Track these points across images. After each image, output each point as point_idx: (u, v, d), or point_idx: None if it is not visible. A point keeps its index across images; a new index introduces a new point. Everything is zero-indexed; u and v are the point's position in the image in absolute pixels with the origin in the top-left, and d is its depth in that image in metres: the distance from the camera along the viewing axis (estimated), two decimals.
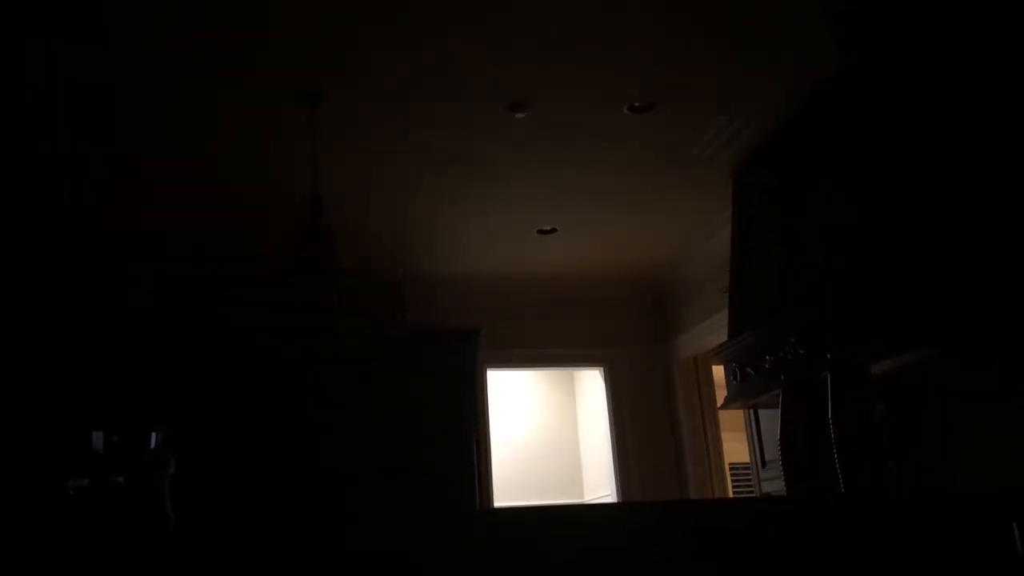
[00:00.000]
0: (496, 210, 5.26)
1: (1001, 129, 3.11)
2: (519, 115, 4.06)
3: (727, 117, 4.18)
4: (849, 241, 3.42)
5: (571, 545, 1.49)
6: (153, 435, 4.30)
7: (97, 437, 4.26)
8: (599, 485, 7.06)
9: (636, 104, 4.05)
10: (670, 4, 3.33)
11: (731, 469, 6.50)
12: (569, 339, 6.57)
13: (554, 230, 5.65)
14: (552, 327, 6.53)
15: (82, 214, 4.92)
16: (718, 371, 6.00)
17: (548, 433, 7.93)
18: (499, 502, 6.31)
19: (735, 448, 6.41)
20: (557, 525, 1.49)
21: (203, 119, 4.00)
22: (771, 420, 4.26)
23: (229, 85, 3.72)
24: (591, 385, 7.36)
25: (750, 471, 4.95)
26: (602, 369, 6.68)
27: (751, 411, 4.62)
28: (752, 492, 5.11)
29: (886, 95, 3.44)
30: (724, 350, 4.25)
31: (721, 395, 4.53)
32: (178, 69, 3.60)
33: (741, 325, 4.19)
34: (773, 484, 4.43)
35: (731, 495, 6.47)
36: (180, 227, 5.14)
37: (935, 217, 3.22)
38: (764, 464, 4.56)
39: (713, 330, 5.65)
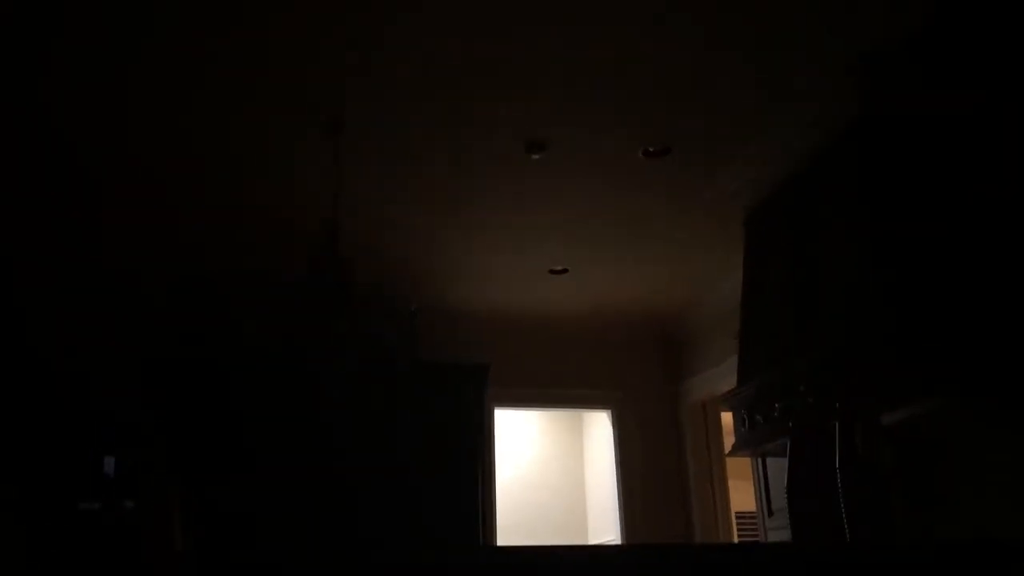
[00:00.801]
0: (510, 248, 5.30)
1: (1001, 179, 3.14)
2: (535, 156, 4.12)
3: (741, 165, 4.22)
4: (857, 290, 3.43)
5: None
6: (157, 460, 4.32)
7: (109, 461, 4.27)
8: (604, 529, 6.99)
9: (651, 149, 4.10)
10: (691, 54, 3.39)
11: (737, 517, 6.44)
12: (578, 380, 6.57)
13: (566, 270, 5.68)
14: (561, 367, 6.53)
15: (105, 226, 5.00)
16: (727, 417, 5.97)
17: (554, 474, 7.88)
18: (502, 541, 6.25)
19: (742, 497, 6.35)
20: (558, 565, 1.49)
21: (230, 142, 4.07)
22: (779, 469, 4.23)
23: (256, 110, 3.79)
24: (598, 427, 7.33)
25: (756, 520, 4.90)
26: (610, 412, 6.66)
27: (759, 459, 4.58)
28: (758, 541, 5.06)
29: (893, 149, 3.48)
30: (732, 396, 4.24)
31: (729, 442, 4.51)
32: (207, 95, 3.68)
33: (750, 371, 4.19)
34: (779, 534, 4.38)
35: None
36: (200, 244, 5.20)
37: (942, 268, 3.25)
38: (771, 513, 4.52)
39: (723, 376, 5.64)
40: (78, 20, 3.15)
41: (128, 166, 4.24)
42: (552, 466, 7.90)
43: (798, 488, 3.52)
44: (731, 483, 6.21)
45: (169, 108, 3.74)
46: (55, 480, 4.20)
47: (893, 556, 1.62)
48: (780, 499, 4.18)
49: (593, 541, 7.44)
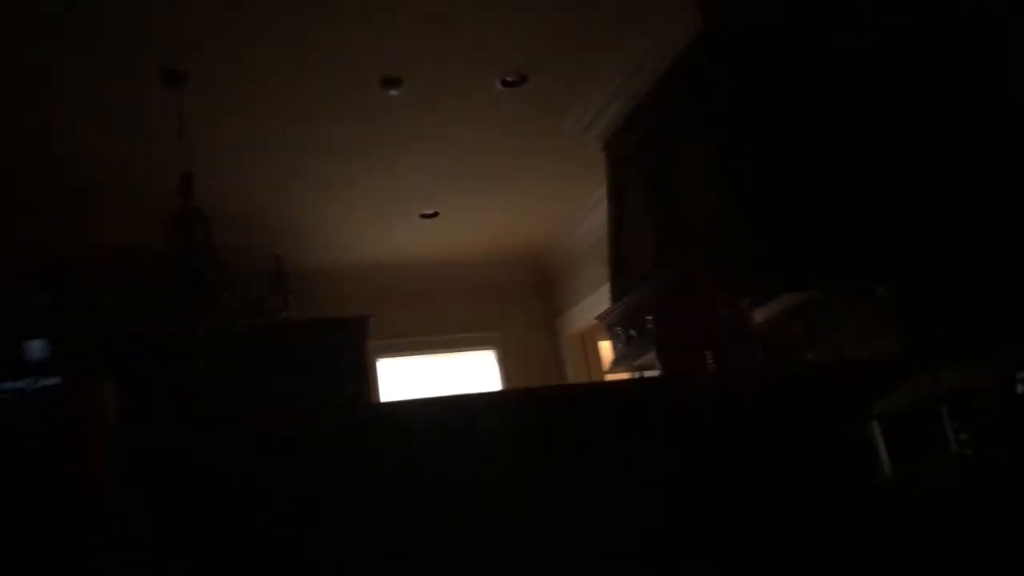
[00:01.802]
0: (377, 195, 5.22)
1: (837, 87, 3.34)
2: (392, 92, 4.05)
3: (597, 88, 4.29)
4: (713, 201, 3.57)
5: (445, 433, 1.53)
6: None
7: (34, 344, 4.23)
8: None
9: (509, 78, 4.11)
10: None
11: None
12: (459, 324, 6.61)
13: (436, 214, 5.66)
14: (441, 312, 6.55)
15: None
16: (605, 346, 6.14)
17: None
18: None
19: None
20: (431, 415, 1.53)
21: (70, 107, 3.81)
22: None
23: (94, 69, 3.56)
24: (485, 368, 7.39)
25: None
26: (494, 352, 6.73)
27: (638, 375, 4.75)
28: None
29: (742, 61, 3.62)
30: (607, 316, 4.35)
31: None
32: (40, 56, 3.41)
33: (621, 291, 4.31)
34: None
35: None
36: (52, 221, 4.88)
37: (789, 172, 3.44)
38: None
39: (599, 304, 5.77)
40: None
41: None
42: None
43: (665, 345, 3.64)
44: None
45: (11, 86, 3.46)
46: None
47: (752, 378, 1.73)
48: None
49: None
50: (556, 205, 5.75)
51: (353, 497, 1.50)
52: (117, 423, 1.36)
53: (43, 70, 3.55)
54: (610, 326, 4.35)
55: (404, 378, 7.79)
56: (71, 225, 4.99)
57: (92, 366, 4.35)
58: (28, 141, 4.07)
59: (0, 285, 4.67)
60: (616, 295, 4.39)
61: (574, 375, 6.44)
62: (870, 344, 3.10)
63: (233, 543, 1.41)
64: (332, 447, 1.51)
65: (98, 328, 4.65)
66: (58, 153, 4.21)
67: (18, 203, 4.65)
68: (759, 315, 3.37)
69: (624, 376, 4.98)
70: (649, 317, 3.87)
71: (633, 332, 4.09)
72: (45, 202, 4.69)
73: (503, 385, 6.63)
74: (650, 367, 4.38)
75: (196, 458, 1.46)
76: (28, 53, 3.42)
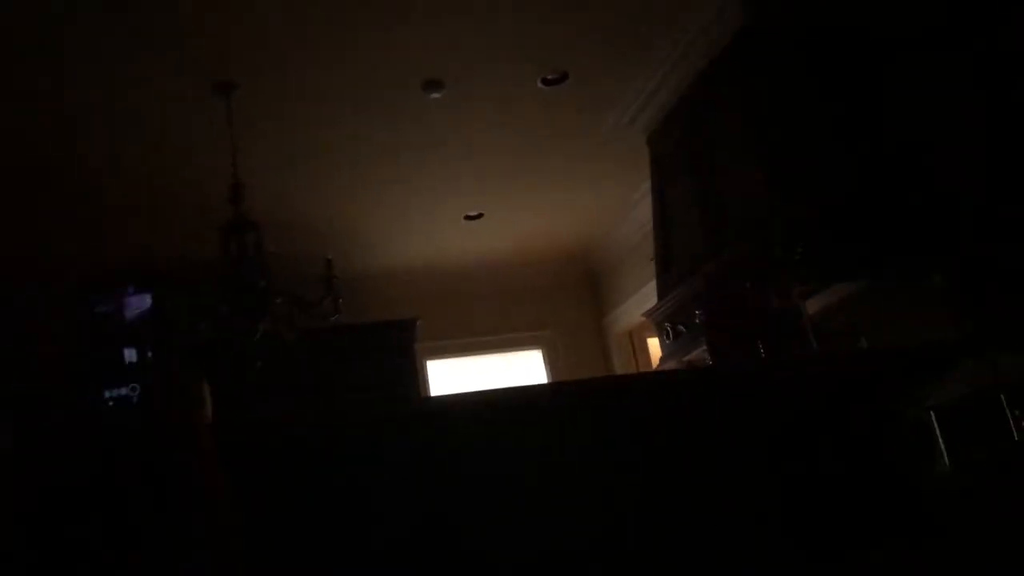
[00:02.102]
0: (421, 198, 5.27)
1: (883, 77, 3.28)
2: (435, 95, 4.09)
3: (639, 82, 4.27)
4: (759, 193, 3.54)
5: (502, 427, 1.56)
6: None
7: (130, 351, 4.45)
8: None
9: (549, 76, 4.12)
10: None
11: None
12: (506, 324, 6.63)
13: (481, 215, 5.69)
14: (487, 313, 6.58)
15: None
16: (653, 343, 6.11)
17: None
18: None
19: None
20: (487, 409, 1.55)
21: (124, 120, 3.93)
22: None
23: (146, 80, 3.66)
24: (532, 368, 7.41)
25: None
26: (540, 351, 6.74)
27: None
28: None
29: (786, 53, 3.59)
30: (655, 312, 4.34)
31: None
32: (92, 72, 3.53)
33: (669, 286, 4.29)
34: None
35: None
36: (102, 232, 5.03)
37: (838, 164, 3.39)
38: None
39: (646, 301, 5.74)
40: None
41: (25, 165, 4.05)
42: None
43: (715, 335, 3.62)
44: None
45: (60, 96, 3.58)
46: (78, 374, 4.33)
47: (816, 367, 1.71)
48: None
49: None
50: (600, 202, 5.74)
51: (411, 482, 1.55)
52: (215, 419, 1.47)
53: (96, 82, 3.65)
54: (658, 322, 4.33)
55: (453, 380, 7.84)
56: (129, 237, 5.13)
57: (184, 370, 4.53)
58: (84, 156, 4.20)
59: (100, 294, 4.89)
60: (663, 290, 4.37)
61: (622, 372, 6.42)
62: (926, 333, 3.04)
63: (306, 520, 1.51)
64: (396, 436, 1.57)
65: (178, 337, 4.82)
66: (112, 166, 4.33)
67: (75, 217, 4.79)
68: (811, 306, 3.33)
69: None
70: (698, 312, 3.85)
71: (682, 327, 4.07)
72: (100, 214, 4.82)
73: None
74: (700, 362, 4.36)
75: (279, 449, 1.56)
76: (80, 66, 3.53)
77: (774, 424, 1.65)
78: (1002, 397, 2.20)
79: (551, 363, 6.68)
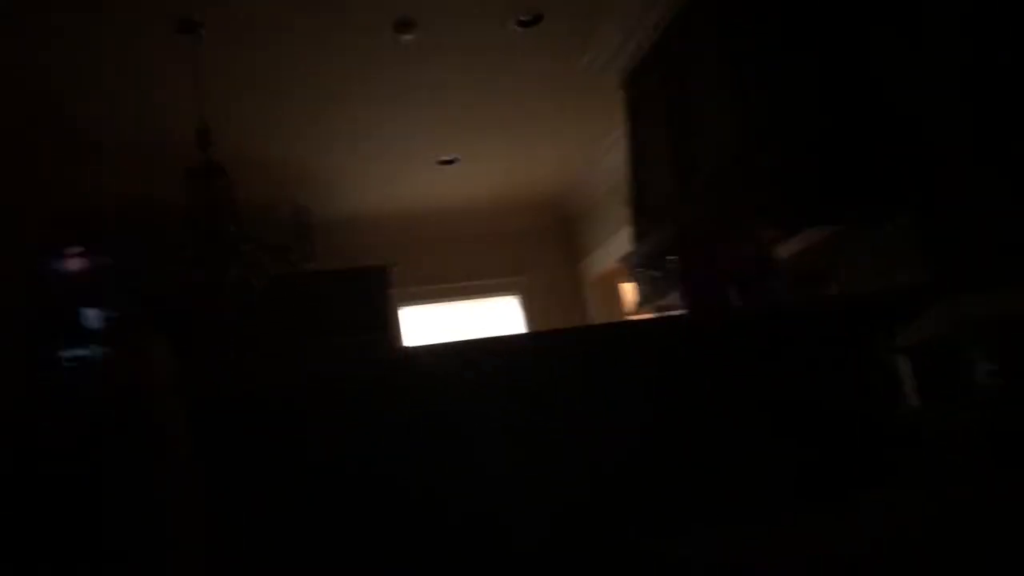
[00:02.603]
0: (394, 142, 5.19)
1: (864, 23, 3.24)
2: (406, 37, 3.99)
3: (613, 24, 4.20)
4: (733, 137, 3.51)
5: (484, 374, 1.55)
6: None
7: (91, 313, 4.44)
8: None
9: (524, 18, 4.03)
10: None
11: None
12: (481, 270, 6.61)
13: (455, 160, 5.62)
14: (463, 259, 6.55)
15: None
16: (628, 288, 6.12)
17: None
18: None
19: None
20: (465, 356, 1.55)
21: (87, 59, 3.80)
22: None
23: (108, 21, 3.53)
24: (508, 313, 7.42)
25: None
26: (518, 297, 6.74)
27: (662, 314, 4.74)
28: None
29: None
30: (629, 257, 4.33)
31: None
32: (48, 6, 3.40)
33: (643, 232, 4.28)
34: None
35: None
36: (67, 176, 4.91)
37: (812, 111, 3.36)
38: None
39: (621, 246, 5.75)
40: None
41: None
42: None
43: (690, 284, 3.64)
44: None
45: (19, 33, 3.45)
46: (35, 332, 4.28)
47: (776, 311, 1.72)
48: None
49: None
50: (575, 146, 5.68)
51: (386, 436, 1.54)
52: (173, 375, 1.46)
53: (58, 22, 3.53)
54: (633, 267, 4.33)
55: (428, 326, 7.84)
56: (91, 180, 5.01)
57: (142, 328, 4.50)
58: (46, 96, 4.07)
59: (49, 250, 4.80)
60: (638, 235, 4.36)
61: (598, 318, 6.44)
62: (895, 276, 3.07)
63: (274, 477, 1.50)
64: (367, 389, 1.55)
65: (138, 290, 4.76)
66: (76, 107, 4.21)
67: (38, 159, 4.67)
68: (783, 251, 3.34)
69: (648, 318, 4.98)
70: (672, 257, 3.84)
71: (657, 273, 4.07)
72: (63, 157, 4.70)
73: (527, 329, 6.65)
74: (674, 307, 4.37)
75: (243, 403, 1.54)
76: (44, 5, 3.40)
77: (749, 372, 1.66)
78: (969, 340, 2.22)
79: (527, 309, 6.68)
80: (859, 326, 1.73)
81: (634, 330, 1.75)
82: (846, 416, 1.71)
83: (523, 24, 4.07)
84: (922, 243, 3.01)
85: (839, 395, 1.72)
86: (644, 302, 4.26)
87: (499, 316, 7.47)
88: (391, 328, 5.90)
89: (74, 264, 4.60)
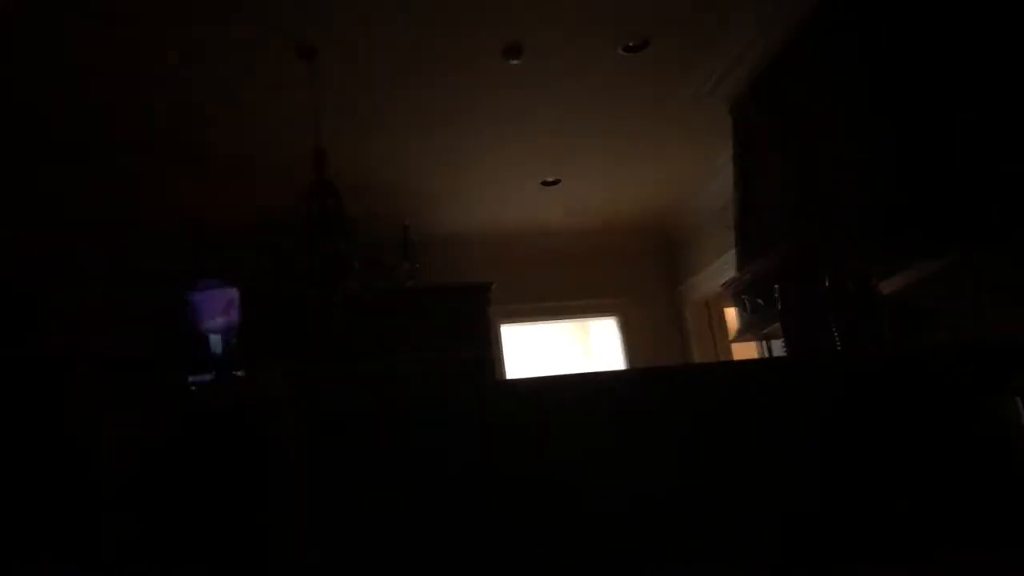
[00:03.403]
0: (498, 163, 5.28)
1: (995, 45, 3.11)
2: (514, 62, 4.07)
3: (722, 50, 4.17)
4: (847, 165, 3.43)
5: (575, 409, 1.57)
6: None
7: (215, 339, 4.74)
8: None
9: (631, 44, 4.05)
10: None
11: None
12: (581, 290, 6.63)
13: (558, 181, 5.67)
14: (562, 279, 6.58)
15: (79, 185, 5.01)
16: (730, 314, 6.03)
17: None
18: None
19: None
20: (561, 392, 1.57)
21: (202, 79, 4.03)
22: (783, 352, 4.29)
23: (228, 43, 3.74)
24: (606, 335, 7.41)
25: None
26: (615, 318, 6.72)
27: (764, 344, 4.66)
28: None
29: (875, 18, 3.44)
30: (732, 284, 4.27)
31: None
32: (170, 28, 3.62)
33: (748, 259, 4.21)
34: None
35: None
36: (185, 191, 5.21)
37: (930, 136, 3.24)
38: None
39: (723, 271, 5.67)
40: None
41: (107, 118, 4.22)
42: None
43: (791, 315, 3.56)
44: None
45: (140, 56, 3.70)
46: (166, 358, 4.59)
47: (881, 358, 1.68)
48: None
49: None
50: (680, 170, 5.65)
51: (478, 462, 1.58)
52: (290, 395, 1.55)
53: (184, 44, 3.75)
54: (735, 294, 4.27)
55: (527, 344, 7.90)
56: (211, 196, 5.29)
57: (262, 354, 4.78)
58: (169, 114, 4.32)
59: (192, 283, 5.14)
60: (742, 262, 4.30)
61: (698, 343, 6.36)
62: (1013, 315, 2.93)
63: (376, 491, 1.57)
64: (465, 412, 1.60)
65: (257, 309, 5.03)
66: (195, 126, 4.46)
67: (162, 175, 4.97)
68: (891, 285, 3.22)
69: (750, 346, 4.90)
70: (776, 286, 3.78)
71: (760, 300, 4.00)
72: (185, 173, 4.98)
73: (624, 351, 6.63)
74: (777, 336, 4.29)
75: (350, 421, 1.62)
76: (168, 28, 3.63)
77: (852, 417, 1.62)
78: None
79: (626, 331, 6.65)
80: (968, 371, 1.67)
81: (723, 370, 1.73)
82: (956, 467, 1.65)
83: (629, 50, 4.09)
84: None
85: (947, 444, 1.66)
86: (746, 330, 4.20)
87: (598, 337, 7.47)
88: (491, 345, 5.98)
89: (206, 293, 4.89)
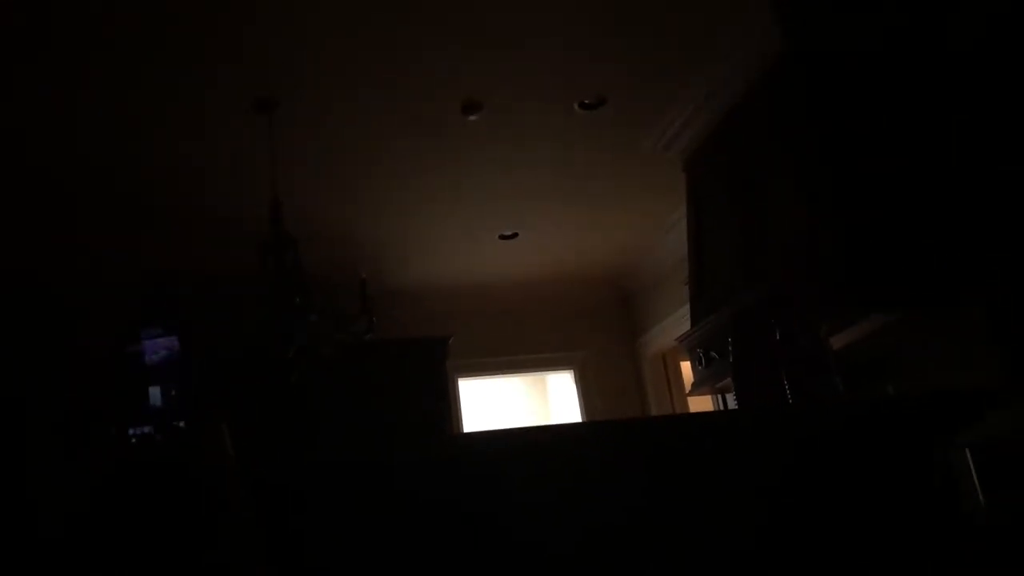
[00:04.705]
0: (456, 217, 5.31)
1: (927, 99, 3.25)
2: (472, 117, 4.13)
3: (675, 109, 4.28)
4: (797, 220, 3.52)
5: (531, 463, 1.56)
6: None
7: (155, 392, 4.65)
8: None
9: (587, 101, 4.14)
10: (615, 3, 3.42)
11: None
12: (538, 344, 6.63)
13: (515, 235, 5.71)
14: (520, 332, 6.59)
15: (28, 236, 4.91)
16: (686, 367, 6.07)
17: None
18: None
19: None
20: (518, 446, 1.56)
21: (160, 132, 4.01)
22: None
23: (185, 96, 3.74)
24: (564, 388, 7.41)
25: None
26: (572, 372, 6.73)
27: (719, 397, 4.69)
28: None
29: (824, 79, 3.57)
30: (687, 338, 4.32)
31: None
32: (129, 81, 3.62)
33: (702, 312, 4.27)
34: None
35: None
36: (144, 242, 5.14)
37: (878, 192, 3.35)
38: None
39: (679, 324, 5.73)
40: (25, 32, 3.08)
41: (63, 175, 4.17)
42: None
43: (743, 373, 3.61)
44: None
45: (103, 107, 3.68)
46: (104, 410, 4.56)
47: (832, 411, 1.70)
48: None
49: None
50: (636, 224, 5.74)
51: (440, 525, 1.56)
52: (234, 456, 1.52)
53: (139, 95, 3.74)
54: (690, 348, 4.31)
55: (485, 398, 7.85)
56: (164, 247, 5.23)
57: (207, 408, 4.72)
58: (124, 163, 4.27)
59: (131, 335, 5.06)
60: (696, 316, 4.35)
61: (655, 396, 6.39)
62: (961, 369, 3.00)
63: (324, 559, 1.52)
64: (419, 475, 1.58)
65: (207, 363, 4.95)
66: (151, 176, 4.41)
67: (113, 224, 4.89)
68: (841, 340, 3.29)
69: (705, 399, 4.93)
70: (730, 339, 3.83)
71: (714, 354, 4.05)
72: (138, 224, 4.91)
73: (582, 405, 6.62)
74: (731, 390, 4.33)
75: (296, 485, 1.58)
76: (121, 82, 3.62)
77: (802, 467, 1.64)
78: None
79: (583, 384, 6.66)
80: (915, 422, 1.70)
81: (679, 423, 1.75)
82: (905, 515, 1.68)
83: (586, 107, 4.18)
84: (991, 336, 2.95)
85: (895, 493, 1.69)
86: (701, 384, 4.23)
87: (555, 391, 7.47)
88: (449, 398, 5.94)
89: (148, 343, 4.83)
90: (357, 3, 3.26)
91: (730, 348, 3.84)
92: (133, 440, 4.51)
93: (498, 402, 8.01)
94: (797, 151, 3.60)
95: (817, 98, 3.55)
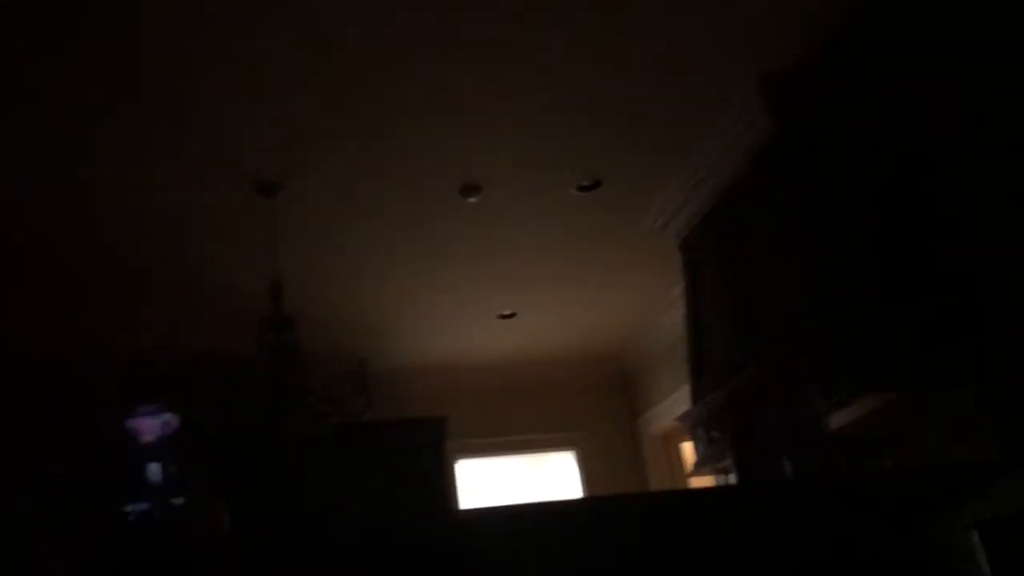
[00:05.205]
0: (455, 297, 5.34)
1: (921, 180, 3.31)
2: (471, 199, 4.19)
3: (670, 190, 4.35)
4: (793, 299, 3.53)
5: (532, 539, 1.54)
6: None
7: (153, 468, 4.58)
8: None
9: (584, 183, 4.21)
10: (608, 83, 3.51)
11: None
12: (538, 424, 6.58)
13: (514, 314, 5.73)
14: (520, 412, 6.54)
15: (26, 312, 4.93)
16: (688, 447, 6.00)
17: None
18: None
19: None
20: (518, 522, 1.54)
21: (169, 212, 4.07)
22: None
23: (189, 178, 3.81)
24: (564, 468, 7.30)
25: None
26: (573, 452, 6.66)
27: (723, 477, 4.62)
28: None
29: (816, 156, 3.64)
30: (687, 417, 4.29)
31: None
32: (132, 161, 3.68)
33: (701, 392, 4.25)
34: None
35: None
36: (139, 321, 5.14)
37: (873, 270, 3.38)
38: None
39: (680, 403, 5.68)
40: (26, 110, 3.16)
41: (64, 253, 4.21)
42: None
43: (742, 447, 3.56)
44: None
45: (106, 187, 3.74)
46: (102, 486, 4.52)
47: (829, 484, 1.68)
48: None
49: None
50: (635, 303, 5.76)
51: None
52: (232, 532, 1.51)
53: (138, 181, 3.81)
54: (691, 427, 4.28)
55: (483, 479, 7.73)
56: (163, 326, 5.24)
57: (203, 484, 4.68)
58: (125, 242, 4.32)
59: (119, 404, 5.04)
60: (696, 395, 4.33)
61: (656, 477, 6.30)
62: (963, 447, 2.97)
63: None
64: (412, 551, 1.55)
65: (203, 441, 4.92)
66: (153, 255, 4.45)
67: (112, 300, 4.91)
68: (842, 417, 3.26)
69: (707, 479, 4.87)
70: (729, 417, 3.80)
71: (715, 433, 4.01)
72: (138, 303, 4.94)
73: (583, 486, 6.52)
74: (733, 470, 4.27)
75: (291, 561, 1.56)
76: (122, 165, 3.68)
77: (803, 546, 1.62)
78: None
79: (584, 465, 6.57)
80: (917, 499, 1.68)
81: (681, 499, 1.73)
82: None
83: (582, 189, 4.25)
84: (993, 413, 2.93)
85: (900, 568, 1.66)
86: (702, 463, 4.18)
87: (556, 472, 7.36)
88: (447, 480, 5.85)
89: (143, 420, 4.80)
90: (356, 89, 3.35)
91: (729, 427, 3.81)
92: (131, 518, 4.44)
93: (498, 482, 7.87)
94: (791, 228, 3.64)
95: (809, 175, 3.61)
